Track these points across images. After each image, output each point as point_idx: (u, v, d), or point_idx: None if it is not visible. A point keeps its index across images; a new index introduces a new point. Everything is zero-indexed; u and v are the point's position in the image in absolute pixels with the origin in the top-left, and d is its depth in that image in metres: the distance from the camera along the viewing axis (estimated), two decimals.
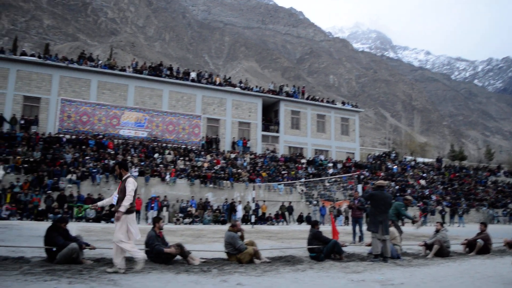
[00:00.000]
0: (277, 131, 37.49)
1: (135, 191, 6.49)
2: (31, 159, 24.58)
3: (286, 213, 27.69)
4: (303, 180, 30.83)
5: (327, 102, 42.87)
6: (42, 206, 21.35)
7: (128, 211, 6.40)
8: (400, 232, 10.16)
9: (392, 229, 9.73)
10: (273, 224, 25.86)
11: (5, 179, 22.58)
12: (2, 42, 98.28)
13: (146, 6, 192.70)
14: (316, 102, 40.67)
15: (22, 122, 28.56)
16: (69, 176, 24.06)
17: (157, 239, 7.73)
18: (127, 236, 6.37)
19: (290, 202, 28.50)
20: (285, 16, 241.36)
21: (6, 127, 28.06)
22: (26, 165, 23.75)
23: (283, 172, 32.25)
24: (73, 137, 28.70)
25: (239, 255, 8.00)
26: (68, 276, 5.72)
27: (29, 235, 11.60)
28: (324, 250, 8.75)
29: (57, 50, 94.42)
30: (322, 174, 33.19)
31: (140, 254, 6.49)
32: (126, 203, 6.29)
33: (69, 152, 26.43)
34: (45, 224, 7.61)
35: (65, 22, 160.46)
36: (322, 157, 37.69)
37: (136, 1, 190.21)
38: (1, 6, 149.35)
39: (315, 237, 8.98)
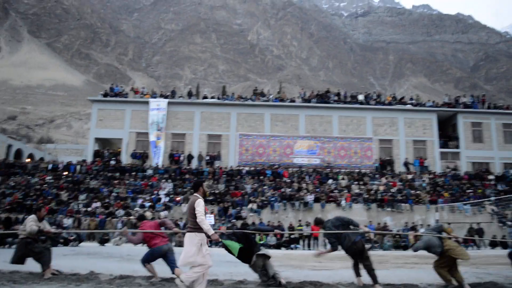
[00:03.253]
0: (457, 147, 34.35)
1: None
2: (217, 191, 27.02)
3: (476, 236, 24.85)
4: (493, 198, 27.48)
5: None
6: None
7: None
8: None
9: None
10: None
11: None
12: (186, 91, 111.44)
13: (308, 38, 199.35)
14: (501, 110, 36.24)
15: (207, 158, 31.65)
16: (250, 206, 25.64)
17: None
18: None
19: (479, 224, 25.54)
20: (452, 23, 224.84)
21: (194, 164, 31.42)
22: (212, 197, 26.09)
23: (468, 191, 29.24)
24: (252, 168, 30.61)
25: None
26: None
27: (219, 260, 12.50)
28: None
29: (232, 90, 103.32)
30: None
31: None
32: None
33: (249, 183, 28.30)
34: None
35: (237, 65, 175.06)
36: None
37: (298, 35, 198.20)
38: (184, 60, 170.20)
39: None
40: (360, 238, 7.53)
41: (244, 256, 7.27)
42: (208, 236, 6.09)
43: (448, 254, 7.42)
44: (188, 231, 6.06)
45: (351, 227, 7.78)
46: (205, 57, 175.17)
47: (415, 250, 7.74)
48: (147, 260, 7.85)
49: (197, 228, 6.02)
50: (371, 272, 7.40)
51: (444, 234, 7.76)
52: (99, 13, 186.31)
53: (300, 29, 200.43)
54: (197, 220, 5.99)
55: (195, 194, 6.38)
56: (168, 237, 8.40)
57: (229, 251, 7.16)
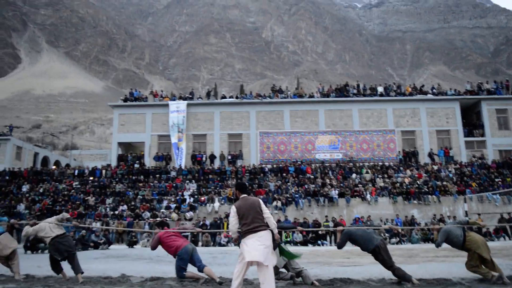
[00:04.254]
0: (483, 135, 33.67)
1: (238, 215, 6.09)
2: None
3: (508, 227, 24.29)
4: None
5: None
6: None
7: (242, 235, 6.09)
8: None
9: None
10: (492, 240, 22.95)
11: (220, 210, 25.26)
12: (204, 91, 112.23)
13: (322, 32, 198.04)
14: None
15: (229, 157, 31.77)
16: (274, 203, 25.61)
17: None
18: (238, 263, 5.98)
19: (510, 214, 24.96)
20: (469, 8, 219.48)
21: (216, 163, 31.56)
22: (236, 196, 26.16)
23: (496, 180, 28.66)
24: (274, 166, 30.60)
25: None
26: None
27: None
28: None
29: (249, 89, 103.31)
30: None
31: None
32: (230, 233, 6.31)
33: (272, 181, 28.28)
34: None
35: (253, 63, 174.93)
36: None
37: (313, 30, 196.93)
38: (200, 61, 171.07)
39: None
40: (381, 240, 7.33)
41: None
42: (272, 235, 6.13)
43: (469, 247, 7.20)
44: (263, 230, 5.94)
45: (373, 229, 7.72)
46: (221, 57, 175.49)
47: (438, 246, 7.57)
48: (182, 268, 7.69)
49: (268, 226, 6.04)
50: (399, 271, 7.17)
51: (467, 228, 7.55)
52: (114, 20, 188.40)
53: (314, 24, 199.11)
54: (266, 217, 6.03)
55: (244, 195, 6.33)
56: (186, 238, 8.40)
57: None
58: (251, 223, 5.92)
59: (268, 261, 5.75)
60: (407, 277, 6.98)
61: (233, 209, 6.15)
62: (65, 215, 8.56)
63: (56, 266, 8.03)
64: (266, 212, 6.10)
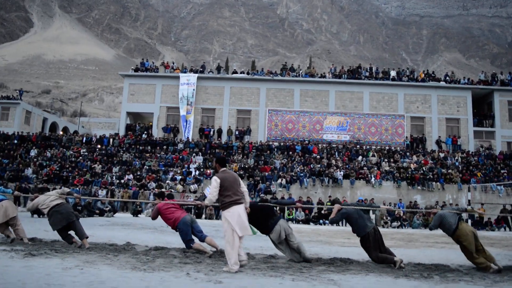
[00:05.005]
0: (492, 126, 33.44)
1: (221, 187, 6.22)
2: (246, 166, 27.26)
3: (509, 218, 24.32)
4: None
5: None
6: None
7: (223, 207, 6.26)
8: None
9: None
10: (493, 230, 23.04)
11: None
12: (215, 65, 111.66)
13: (338, 12, 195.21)
14: None
15: (237, 133, 31.88)
16: (279, 181, 25.77)
17: None
18: (231, 235, 6.13)
19: None
20: None
21: (224, 138, 31.69)
22: (242, 172, 26.33)
23: (502, 171, 28.58)
24: (281, 144, 30.71)
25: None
26: (290, 273, 6.00)
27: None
28: None
29: (261, 65, 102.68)
30: None
31: (235, 266, 5.99)
32: (206, 201, 6.56)
33: (278, 158, 28.42)
34: None
35: (266, 39, 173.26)
36: None
37: (329, 9, 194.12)
38: (213, 33, 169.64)
39: None
40: (373, 228, 7.32)
41: (262, 228, 7.33)
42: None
43: (458, 238, 7.22)
44: (242, 203, 6.34)
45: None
46: (234, 31, 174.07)
47: (430, 229, 7.61)
48: (188, 239, 7.63)
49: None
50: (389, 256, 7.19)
51: (464, 215, 7.56)
52: None
53: (331, 3, 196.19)
54: (244, 191, 6.48)
55: (224, 168, 6.59)
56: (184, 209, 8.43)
57: None
58: (234, 195, 6.22)
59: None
60: (389, 259, 7.01)
61: (216, 181, 6.28)
62: (65, 190, 8.75)
63: (66, 237, 8.10)
64: (244, 186, 6.53)
